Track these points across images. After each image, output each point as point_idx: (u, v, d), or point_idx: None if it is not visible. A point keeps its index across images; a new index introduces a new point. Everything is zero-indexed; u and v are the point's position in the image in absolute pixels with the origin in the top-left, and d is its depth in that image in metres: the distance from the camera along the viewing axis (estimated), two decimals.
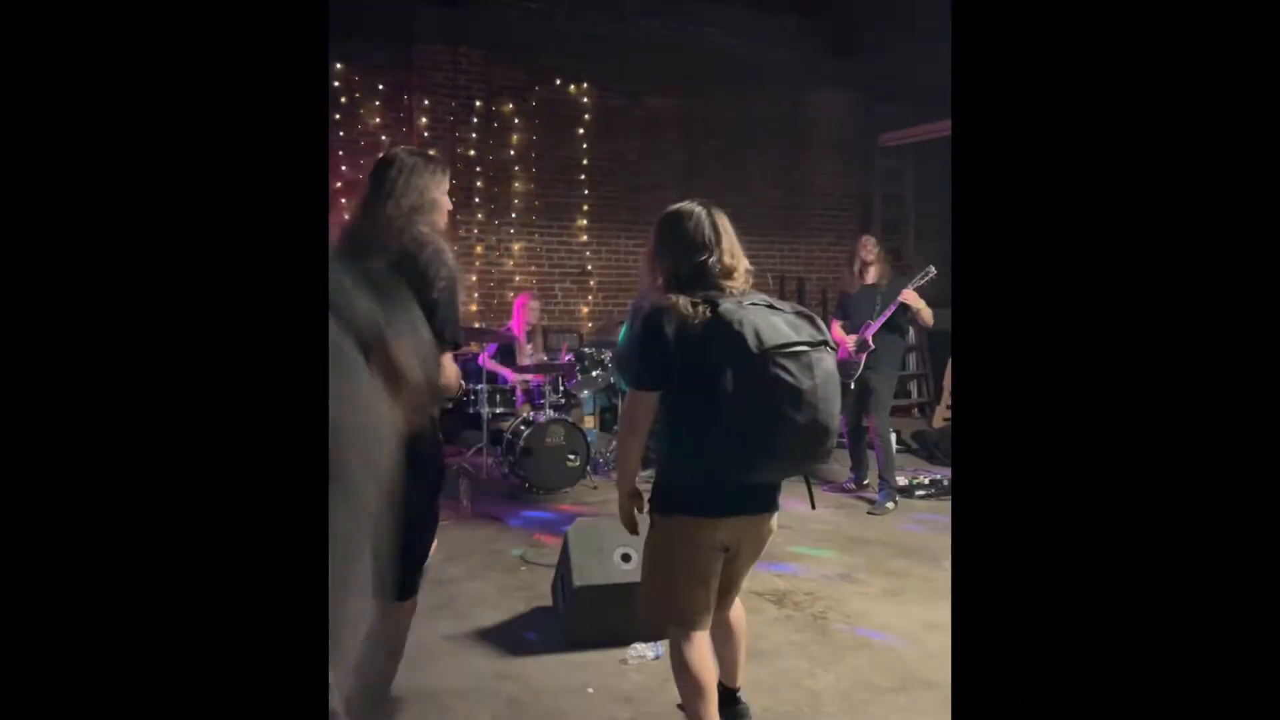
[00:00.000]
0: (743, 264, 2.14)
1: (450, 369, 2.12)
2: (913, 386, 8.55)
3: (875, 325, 4.91)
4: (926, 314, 4.83)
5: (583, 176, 7.83)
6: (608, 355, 5.69)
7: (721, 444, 1.93)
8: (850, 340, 4.99)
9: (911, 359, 8.40)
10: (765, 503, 2.15)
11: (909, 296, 4.76)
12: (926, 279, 4.85)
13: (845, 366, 5.08)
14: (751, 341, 1.89)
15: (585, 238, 7.89)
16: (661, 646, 2.95)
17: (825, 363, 1.96)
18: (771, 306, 2.03)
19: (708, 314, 1.96)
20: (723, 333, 1.92)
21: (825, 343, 1.99)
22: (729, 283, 2.07)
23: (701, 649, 2.14)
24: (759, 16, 7.01)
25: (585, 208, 7.87)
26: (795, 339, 1.92)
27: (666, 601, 2.15)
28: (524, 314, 5.95)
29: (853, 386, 5.08)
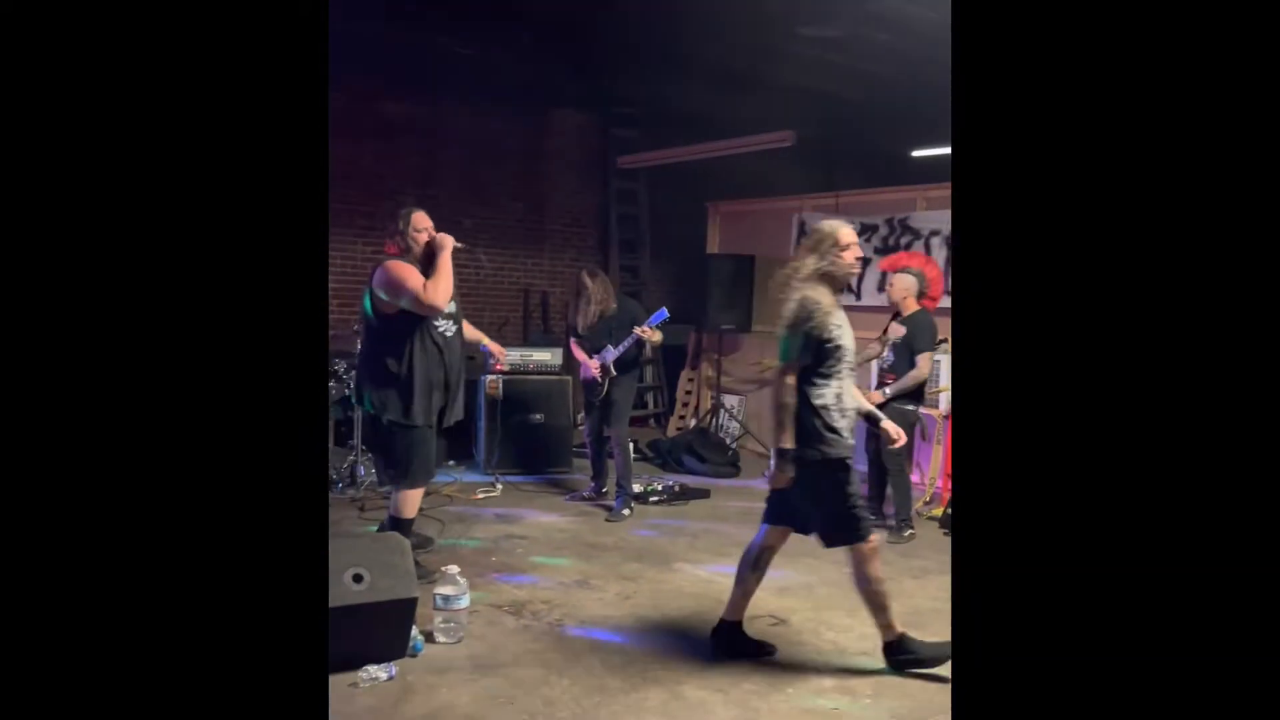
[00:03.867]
0: None
1: None
2: (649, 398, 8.97)
3: (615, 353, 5.11)
4: (656, 339, 5.10)
5: None
6: (342, 366, 5.44)
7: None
8: (593, 364, 5.16)
9: (648, 372, 8.81)
10: None
11: (645, 333, 5.01)
12: (661, 321, 5.09)
13: (590, 385, 5.25)
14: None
15: None
16: (395, 667, 2.88)
17: None
18: None
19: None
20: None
21: None
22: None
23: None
24: (494, 31, 7.06)
25: None
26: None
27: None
28: None
29: (595, 401, 5.25)
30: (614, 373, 5.13)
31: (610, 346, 5.14)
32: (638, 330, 5.00)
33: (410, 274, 3.58)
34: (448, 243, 3.67)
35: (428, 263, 3.65)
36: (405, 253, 3.69)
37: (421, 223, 3.72)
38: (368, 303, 3.72)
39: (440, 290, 3.56)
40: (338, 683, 2.78)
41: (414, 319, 3.64)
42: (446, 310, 3.72)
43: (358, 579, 2.85)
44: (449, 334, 3.78)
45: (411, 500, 3.81)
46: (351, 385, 5.38)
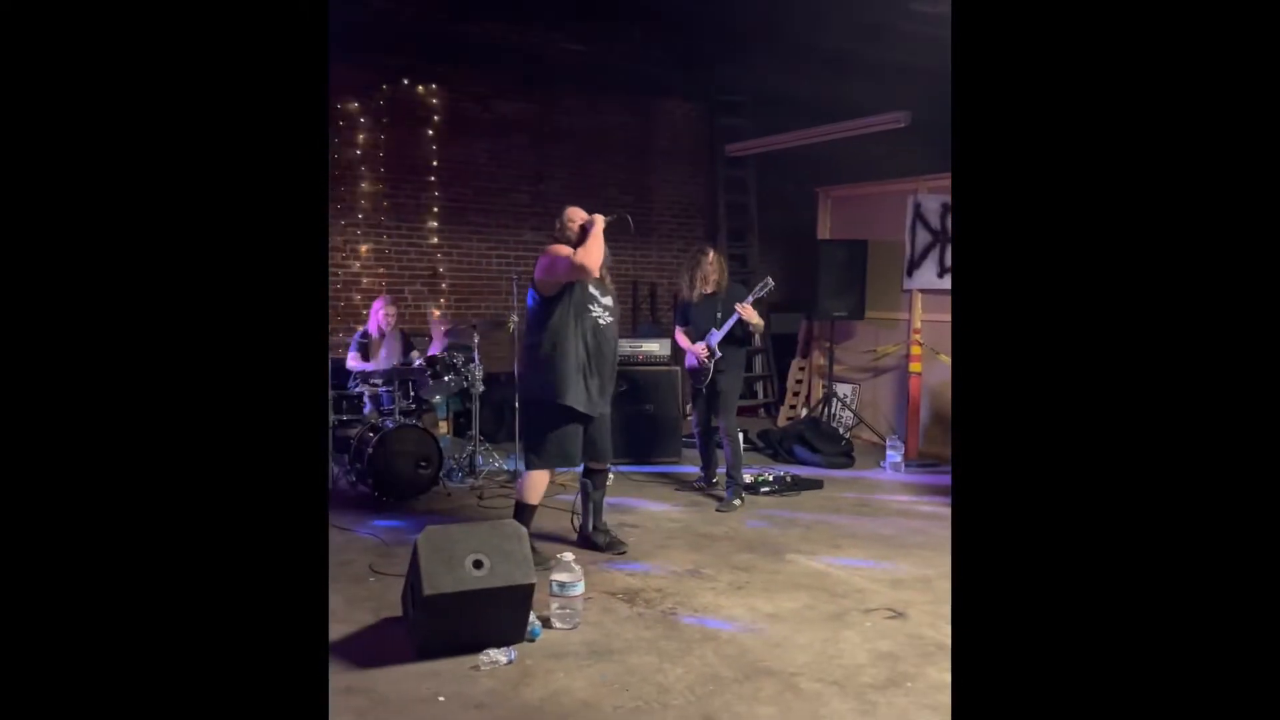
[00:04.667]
0: None
1: None
2: (759, 387, 8.90)
3: (719, 334, 5.10)
4: (758, 324, 5.07)
5: (433, 178, 7.70)
6: (461, 359, 5.63)
7: None
8: (700, 348, 5.16)
9: (757, 361, 8.74)
10: None
11: (745, 311, 4.97)
12: (765, 290, 5.07)
13: (696, 373, 5.25)
14: None
15: (436, 240, 7.77)
16: (514, 651, 2.97)
17: None
18: None
19: None
20: None
21: None
22: None
23: None
24: (606, 25, 7.12)
25: (435, 209, 7.74)
26: None
27: None
28: (380, 318, 5.81)
29: (702, 390, 5.26)
30: (718, 353, 5.11)
31: (715, 330, 5.13)
32: (738, 306, 4.97)
33: (562, 248, 3.88)
34: (599, 220, 3.92)
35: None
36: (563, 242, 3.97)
37: (574, 215, 4.00)
38: (530, 295, 4.00)
39: (590, 253, 3.78)
40: (460, 664, 2.89)
41: (569, 304, 3.84)
42: (603, 300, 3.96)
43: (478, 565, 2.95)
44: (602, 322, 3.96)
45: (533, 484, 3.97)
46: (470, 378, 5.56)
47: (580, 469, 4.25)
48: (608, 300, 4.03)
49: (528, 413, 4.17)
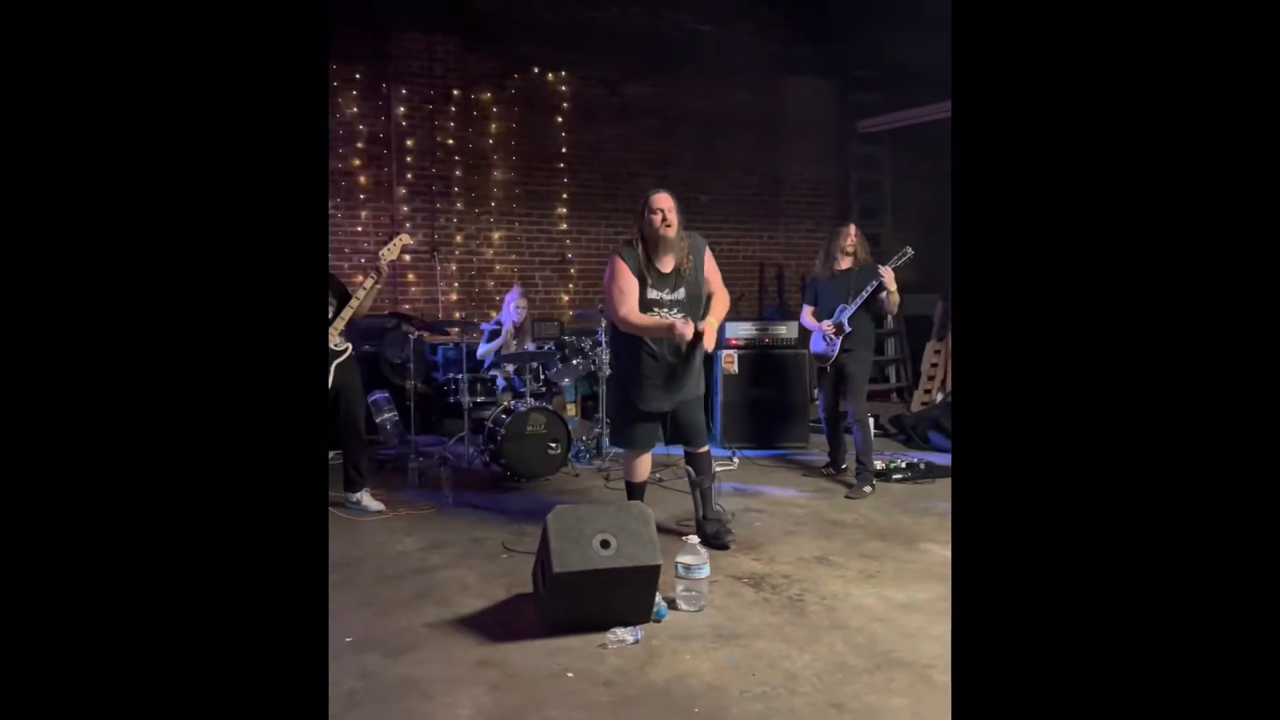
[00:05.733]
0: None
1: None
2: (890, 371, 8.64)
3: (852, 308, 4.96)
4: (895, 296, 4.88)
5: (561, 165, 7.83)
6: (588, 343, 5.71)
7: None
8: (826, 325, 5.04)
9: (889, 344, 8.48)
10: None
11: (887, 275, 4.80)
12: (904, 259, 4.90)
13: (822, 354, 5.14)
14: None
15: (565, 226, 7.90)
16: (641, 631, 3.00)
17: None
18: None
19: None
20: None
21: None
22: None
23: None
24: (733, 4, 7.04)
25: (565, 196, 7.87)
26: None
27: None
28: (512, 309, 5.97)
29: (828, 370, 5.14)
30: (848, 328, 4.97)
31: (844, 305, 5.00)
32: (881, 268, 4.81)
33: (619, 276, 3.79)
34: (675, 328, 3.71)
35: (652, 246, 3.81)
36: (636, 237, 3.87)
37: (659, 203, 3.82)
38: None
39: (633, 328, 3.78)
40: (588, 642, 2.94)
41: None
42: (671, 295, 3.84)
43: (605, 545, 2.99)
44: (665, 315, 3.83)
45: (630, 465, 4.01)
46: (597, 362, 5.65)
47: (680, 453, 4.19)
48: (678, 294, 3.85)
49: (611, 394, 4.21)
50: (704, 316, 3.86)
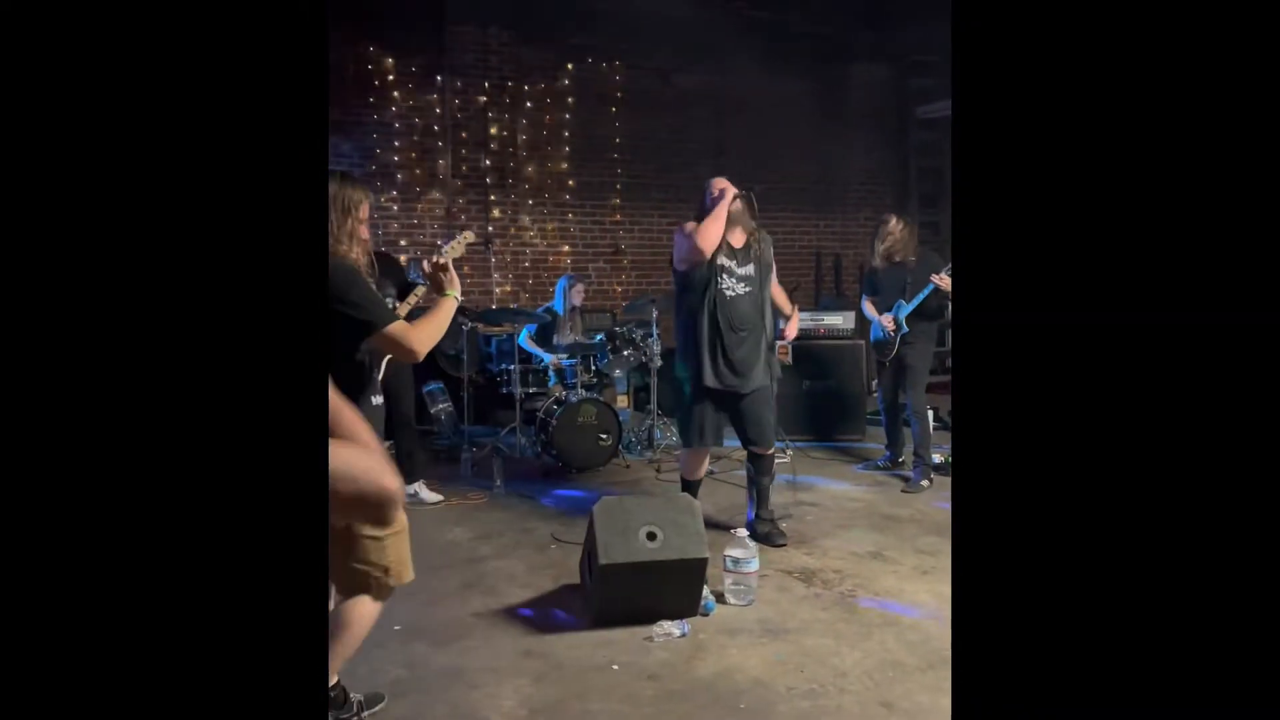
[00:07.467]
0: None
1: None
2: (952, 362, 8.44)
3: (909, 308, 4.84)
4: (949, 288, 4.75)
5: (615, 155, 7.81)
6: (640, 334, 5.69)
7: None
8: (886, 319, 4.93)
9: (950, 335, 8.28)
10: None
11: (943, 282, 4.67)
12: None
13: (881, 345, 5.03)
14: None
15: (619, 216, 7.88)
16: (688, 624, 2.96)
17: None
18: None
19: None
20: None
21: None
22: None
23: None
24: None
25: (618, 186, 7.85)
26: None
27: None
28: (569, 296, 5.96)
29: (887, 364, 5.03)
30: (904, 328, 4.85)
31: (902, 301, 4.88)
32: (934, 277, 4.68)
33: (688, 224, 3.77)
34: (728, 192, 3.73)
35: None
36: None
37: (714, 186, 3.81)
38: (673, 272, 3.91)
39: (706, 232, 3.65)
40: (634, 634, 2.92)
41: (696, 279, 3.73)
42: (740, 270, 3.76)
43: (651, 537, 2.96)
44: (730, 294, 3.73)
45: (688, 461, 3.95)
46: (648, 353, 5.62)
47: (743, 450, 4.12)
48: (746, 269, 3.77)
49: (671, 383, 4.19)
50: (768, 314, 3.84)
